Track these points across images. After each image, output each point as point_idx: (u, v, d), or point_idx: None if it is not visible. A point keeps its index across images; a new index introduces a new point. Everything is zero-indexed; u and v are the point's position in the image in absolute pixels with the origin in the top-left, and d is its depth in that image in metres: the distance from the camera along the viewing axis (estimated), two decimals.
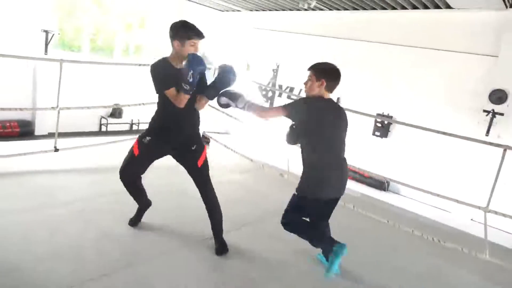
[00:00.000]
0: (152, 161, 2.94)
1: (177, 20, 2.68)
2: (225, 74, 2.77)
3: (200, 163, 2.86)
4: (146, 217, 3.23)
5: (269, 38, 10.09)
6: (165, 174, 4.22)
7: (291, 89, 9.68)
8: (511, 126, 6.32)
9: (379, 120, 8.35)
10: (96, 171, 4.10)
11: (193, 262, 2.72)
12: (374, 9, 7.77)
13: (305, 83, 2.74)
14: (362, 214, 4.04)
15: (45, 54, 8.32)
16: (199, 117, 2.91)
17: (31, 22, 8.01)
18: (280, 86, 9.95)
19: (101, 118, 9.89)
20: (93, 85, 9.07)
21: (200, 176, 2.89)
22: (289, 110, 2.63)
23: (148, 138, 2.80)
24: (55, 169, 3.88)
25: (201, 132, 4.88)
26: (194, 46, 2.63)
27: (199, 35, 2.64)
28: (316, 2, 7.75)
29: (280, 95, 10.03)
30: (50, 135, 8.53)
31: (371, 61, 8.51)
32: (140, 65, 4.86)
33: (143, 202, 3.14)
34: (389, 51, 8.14)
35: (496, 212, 3.40)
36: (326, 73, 2.71)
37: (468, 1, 5.76)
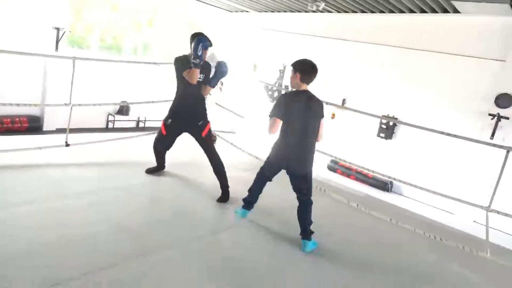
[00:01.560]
0: (176, 137, 4.02)
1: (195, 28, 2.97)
2: (221, 68, 3.86)
3: (204, 133, 3.87)
4: (158, 209, 3.33)
5: (276, 39, 10.17)
6: (181, 172, 4.33)
7: None
8: None
9: (384, 121, 8.40)
10: (107, 166, 4.19)
11: (204, 254, 2.79)
12: (383, 12, 7.82)
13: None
14: (365, 212, 4.09)
15: (56, 51, 8.44)
16: (204, 102, 3.97)
17: (43, 19, 8.15)
18: (286, 87, 10.02)
19: (108, 115, 10.01)
20: (101, 82, 9.20)
21: (205, 143, 3.90)
22: (279, 113, 3.11)
23: (170, 120, 3.90)
24: (66, 163, 3.97)
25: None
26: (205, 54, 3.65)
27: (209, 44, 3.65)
28: (325, 5, 7.82)
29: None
30: (58, 131, 8.67)
31: (377, 64, 8.57)
32: (149, 63, 4.95)
33: (161, 164, 4.27)
34: (395, 54, 8.19)
35: (498, 212, 3.45)
36: (299, 67, 3.19)
37: (476, 6, 5.80)
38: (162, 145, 4.06)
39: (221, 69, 3.86)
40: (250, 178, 3.52)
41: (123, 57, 10.13)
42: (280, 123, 3.12)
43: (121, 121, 10.07)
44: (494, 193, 3.42)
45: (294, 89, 3.25)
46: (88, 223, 2.86)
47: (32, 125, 8.55)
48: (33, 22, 8.00)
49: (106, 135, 5.13)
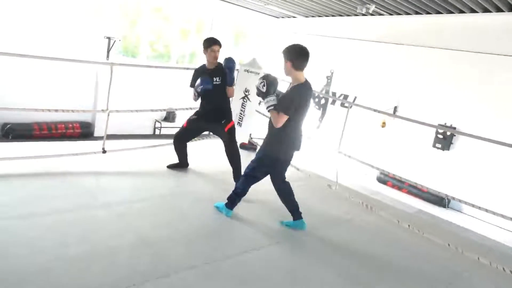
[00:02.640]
0: (196, 133, 4.30)
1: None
2: (227, 64, 3.97)
3: (226, 129, 4.05)
4: (186, 224, 3.14)
5: (324, 44, 9.81)
6: (213, 186, 4.16)
7: (345, 97, 9.29)
8: None
9: (440, 131, 7.72)
10: (141, 174, 4.09)
11: (231, 277, 2.55)
12: (440, 13, 7.20)
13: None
14: (419, 234, 3.62)
15: (107, 59, 8.75)
16: (228, 103, 4.14)
17: (95, 29, 8.48)
18: (334, 93, 9.61)
19: (155, 122, 10.20)
20: (148, 89, 9.38)
21: (228, 138, 4.06)
22: (289, 112, 2.98)
23: (193, 116, 4.16)
24: (101, 171, 3.92)
25: (247, 137, 4.85)
26: (214, 52, 3.91)
27: (212, 43, 3.92)
28: (375, 7, 7.37)
29: (333, 102, 9.67)
30: (109, 137, 8.93)
31: (433, 68, 7.94)
32: (187, 69, 4.88)
33: (183, 161, 4.40)
34: (453, 58, 7.53)
35: None
36: (289, 54, 3.04)
37: None
38: (181, 137, 4.24)
39: (228, 64, 3.97)
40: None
41: (168, 64, 10.28)
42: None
43: (168, 128, 10.22)
44: None
45: (300, 83, 3.07)
46: (112, 235, 2.73)
47: (84, 131, 8.92)
48: (86, 32, 8.35)
49: (146, 142, 5.08)
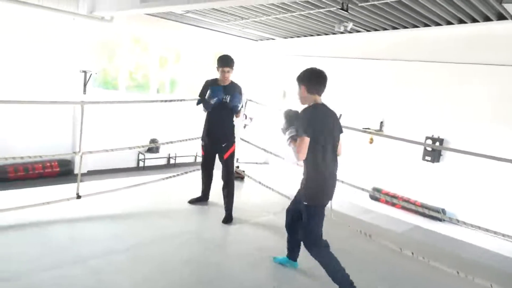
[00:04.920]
0: (214, 156, 4.14)
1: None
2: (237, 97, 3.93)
3: (226, 156, 4.01)
4: (177, 277, 2.82)
5: (305, 64, 9.67)
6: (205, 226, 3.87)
7: None
8: None
9: (429, 143, 7.64)
10: (121, 218, 3.77)
11: None
12: (416, 27, 7.21)
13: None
14: (425, 262, 3.38)
15: (84, 94, 8.47)
16: (232, 122, 4.04)
17: (71, 64, 8.23)
18: None
19: (138, 154, 9.87)
20: (128, 121, 9.11)
21: (225, 165, 4.03)
22: (309, 130, 2.59)
23: (203, 142, 4.13)
24: (76, 218, 3.57)
25: (235, 163, 4.63)
26: (224, 72, 3.89)
27: (224, 64, 3.90)
28: (353, 25, 7.34)
29: None
30: (90, 173, 8.57)
31: (416, 81, 7.93)
32: (163, 101, 4.66)
33: (205, 194, 4.37)
34: (434, 69, 7.57)
35: None
36: (302, 78, 2.79)
37: None
38: (205, 165, 4.20)
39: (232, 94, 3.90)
40: (280, 222, 3.00)
41: (148, 95, 10.05)
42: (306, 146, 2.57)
43: (152, 159, 9.90)
44: None
45: (315, 103, 2.77)
46: None
47: (63, 169, 8.51)
48: (62, 67, 8.09)
49: (126, 180, 4.75)
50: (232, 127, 4.08)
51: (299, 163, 2.74)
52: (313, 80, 2.77)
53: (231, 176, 4.10)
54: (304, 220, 2.71)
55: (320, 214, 2.71)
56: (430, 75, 7.66)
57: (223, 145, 4.00)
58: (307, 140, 2.57)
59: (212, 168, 4.25)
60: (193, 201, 4.35)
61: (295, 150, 2.61)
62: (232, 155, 4.08)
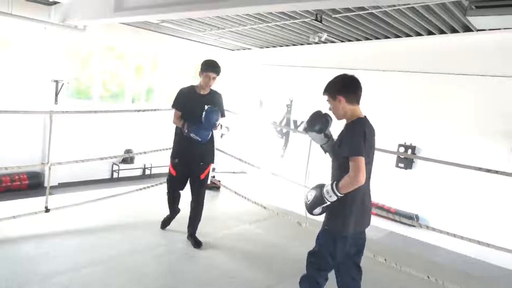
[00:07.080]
0: (188, 176, 3.68)
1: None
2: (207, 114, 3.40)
3: (202, 176, 3.66)
4: None
5: (281, 74, 9.86)
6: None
7: None
8: None
9: (401, 150, 7.83)
10: (91, 232, 3.67)
11: None
12: (388, 37, 7.43)
13: (330, 110, 2.43)
14: (397, 269, 3.44)
15: (55, 103, 8.26)
16: (210, 139, 3.52)
17: (42, 73, 8.02)
18: (295, 121, 9.57)
19: (112, 165, 9.65)
20: (101, 131, 8.92)
21: (199, 185, 3.67)
22: (363, 150, 2.18)
23: (176, 160, 3.67)
24: (44, 233, 3.46)
25: (211, 173, 4.52)
26: (209, 78, 3.47)
27: (211, 69, 3.47)
28: (327, 35, 7.49)
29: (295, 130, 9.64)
30: (61, 185, 8.32)
31: (388, 90, 8.13)
32: (137, 111, 4.58)
33: (175, 210, 3.93)
34: (405, 79, 7.80)
35: None
36: (338, 87, 2.38)
37: (495, 20, 5.30)
38: (175, 186, 3.78)
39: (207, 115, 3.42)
40: (255, 232, 2.98)
41: (123, 105, 9.88)
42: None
43: (126, 170, 9.71)
44: None
45: (359, 117, 2.37)
46: None
47: (32, 182, 8.22)
48: (32, 77, 7.88)
49: (97, 192, 4.64)
50: (212, 141, 3.64)
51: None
52: (351, 87, 2.37)
53: (203, 196, 3.74)
54: None
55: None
56: (403, 84, 7.89)
57: (201, 163, 3.61)
58: (363, 160, 2.15)
59: (182, 189, 3.81)
60: (166, 223, 3.97)
61: (350, 174, 2.15)
62: (207, 177, 3.73)
